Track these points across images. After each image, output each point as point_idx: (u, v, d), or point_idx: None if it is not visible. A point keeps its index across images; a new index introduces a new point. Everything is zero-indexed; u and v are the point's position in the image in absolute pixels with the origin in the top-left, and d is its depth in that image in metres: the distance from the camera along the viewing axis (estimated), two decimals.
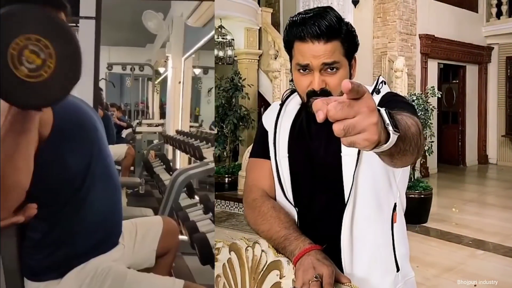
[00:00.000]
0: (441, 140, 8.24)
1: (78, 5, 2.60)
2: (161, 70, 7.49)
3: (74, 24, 2.70)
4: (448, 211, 5.41)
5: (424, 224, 4.85)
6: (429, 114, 5.21)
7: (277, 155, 1.18)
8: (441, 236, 4.51)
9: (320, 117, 0.63)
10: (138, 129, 5.82)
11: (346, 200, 1.09)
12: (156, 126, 6.40)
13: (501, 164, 8.79)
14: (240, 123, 6.36)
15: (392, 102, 1.05)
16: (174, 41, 5.70)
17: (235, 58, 7.13)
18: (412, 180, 4.89)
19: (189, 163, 4.83)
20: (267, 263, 1.03)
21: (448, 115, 8.91)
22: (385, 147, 0.73)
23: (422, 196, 4.90)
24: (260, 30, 7.21)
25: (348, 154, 1.09)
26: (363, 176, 1.10)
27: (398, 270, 1.15)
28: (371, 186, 1.11)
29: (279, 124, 1.20)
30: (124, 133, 5.74)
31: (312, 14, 1.06)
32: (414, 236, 4.40)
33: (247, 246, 1.08)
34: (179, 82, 5.66)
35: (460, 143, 8.72)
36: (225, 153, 6.43)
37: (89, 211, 1.38)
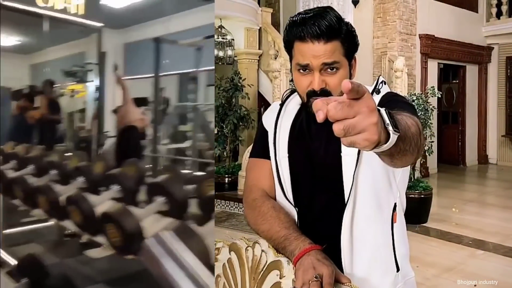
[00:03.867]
0: (441, 140, 8.25)
1: None
2: None
3: None
4: (448, 211, 5.41)
5: (424, 224, 4.85)
6: (429, 114, 5.21)
7: (277, 155, 1.18)
8: (441, 236, 4.51)
9: (320, 117, 0.63)
10: None
11: (346, 200, 1.09)
12: None
13: (501, 164, 8.79)
14: (240, 123, 6.37)
15: (392, 102, 1.05)
16: None
17: (235, 58, 7.13)
18: (412, 180, 4.89)
19: None
20: (267, 263, 1.03)
21: (448, 115, 8.91)
22: (385, 147, 0.73)
23: (422, 196, 4.90)
24: (260, 30, 7.21)
25: (348, 154, 1.09)
26: (363, 176, 1.10)
27: (398, 270, 1.15)
28: (371, 186, 1.11)
29: (279, 124, 1.20)
30: None
31: (312, 14, 1.06)
32: (414, 236, 4.40)
33: (247, 246, 1.08)
34: None
35: (460, 143, 8.72)
36: (225, 153, 6.43)
37: None
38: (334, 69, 1.07)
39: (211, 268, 1.21)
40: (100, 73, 4.25)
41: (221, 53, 6.80)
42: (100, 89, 4.36)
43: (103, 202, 1.76)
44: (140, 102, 4.30)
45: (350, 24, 1.10)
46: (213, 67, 4.01)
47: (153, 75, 4.49)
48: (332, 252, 1.04)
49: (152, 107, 4.55)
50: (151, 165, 4.24)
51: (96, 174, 2.11)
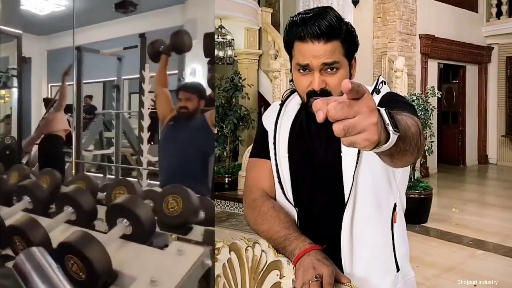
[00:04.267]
0: (441, 140, 8.24)
1: None
2: None
3: None
4: (448, 211, 5.41)
5: (424, 224, 4.85)
6: (429, 114, 5.21)
7: (277, 155, 1.18)
8: (441, 236, 4.51)
9: (320, 117, 0.63)
10: None
11: (346, 200, 1.09)
12: None
13: (501, 164, 8.79)
14: (240, 123, 6.36)
15: (392, 102, 1.05)
16: None
17: (235, 58, 7.12)
18: (412, 180, 4.89)
19: None
20: (267, 263, 1.03)
21: (448, 115, 8.91)
22: (385, 147, 0.73)
23: (422, 196, 4.90)
24: (260, 30, 7.21)
25: (348, 154, 1.09)
26: (363, 176, 1.10)
27: (398, 270, 1.15)
28: (371, 186, 1.11)
29: (279, 124, 1.20)
30: None
31: (312, 14, 1.06)
32: (414, 236, 4.40)
33: (247, 246, 1.08)
34: None
35: (460, 143, 8.72)
36: (225, 153, 6.43)
37: None
38: (334, 69, 1.07)
39: (110, 274, 1.24)
40: (23, 79, 4.26)
41: (221, 53, 6.79)
42: (22, 95, 4.37)
43: (14, 214, 1.74)
44: (66, 109, 4.38)
45: (350, 24, 1.10)
46: (137, 76, 4.12)
47: (76, 82, 4.61)
48: (332, 252, 1.04)
49: (76, 114, 4.63)
50: (73, 173, 4.32)
51: (10, 185, 2.08)
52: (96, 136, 5.71)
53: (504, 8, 8.55)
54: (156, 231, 1.48)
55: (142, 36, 4.25)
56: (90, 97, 6.37)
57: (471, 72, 8.75)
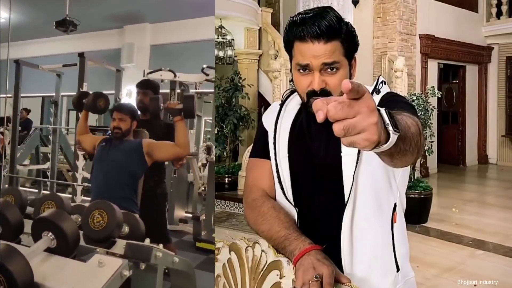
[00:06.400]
0: (441, 140, 8.24)
1: None
2: None
3: None
4: (448, 211, 5.41)
5: (424, 224, 4.85)
6: (429, 114, 5.21)
7: (277, 155, 1.18)
8: (441, 236, 4.51)
9: (320, 117, 0.64)
10: None
11: (346, 200, 1.09)
12: None
13: (501, 164, 8.78)
14: (240, 123, 6.36)
15: (392, 102, 1.05)
16: None
17: (235, 58, 7.13)
18: (412, 180, 4.89)
19: None
20: (267, 263, 1.03)
21: (448, 115, 8.91)
22: (385, 147, 0.73)
23: (422, 196, 4.90)
24: (260, 30, 7.21)
25: (348, 154, 1.09)
26: (363, 176, 1.10)
27: (398, 270, 1.15)
28: (371, 186, 1.11)
29: (279, 124, 1.20)
30: None
31: (312, 14, 1.06)
32: (414, 236, 4.40)
33: (247, 246, 1.08)
34: None
35: (460, 143, 8.71)
36: (225, 153, 6.42)
37: None
38: (334, 69, 1.07)
39: (30, 285, 1.25)
40: None
41: (221, 53, 6.79)
42: None
43: None
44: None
45: (350, 24, 1.10)
46: (75, 93, 4.19)
47: (12, 95, 4.71)
48: (332, 252, 1.04)
49: (12, 127, 4.70)
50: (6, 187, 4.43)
51: None
52: (33, 150, 5.75)
53: (504, 8, 8.54)
54: (82, 244, 1.52)
55: (81, 55, 4.32)
56: (27, 110, 6.40)
57: (471, 72, 8.75)
